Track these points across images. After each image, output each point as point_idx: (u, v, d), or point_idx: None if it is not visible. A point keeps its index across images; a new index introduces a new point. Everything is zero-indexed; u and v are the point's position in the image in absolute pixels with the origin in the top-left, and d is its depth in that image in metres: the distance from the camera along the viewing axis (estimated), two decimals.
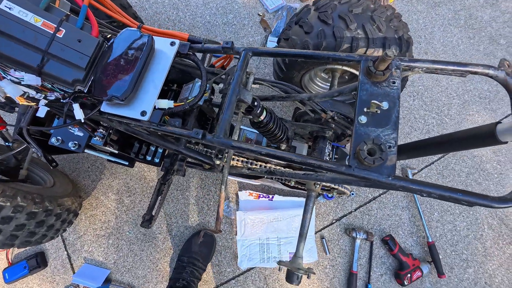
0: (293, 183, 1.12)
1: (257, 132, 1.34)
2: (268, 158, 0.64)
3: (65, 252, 1.42)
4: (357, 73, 0.84)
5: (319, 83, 1.41)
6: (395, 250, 1.36)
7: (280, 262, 0.99)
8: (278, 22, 1.77)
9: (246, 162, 0.92)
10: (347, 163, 0.59)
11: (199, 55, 0.88)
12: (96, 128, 0.89)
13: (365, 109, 0.62)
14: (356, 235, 1.39)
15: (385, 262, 1.42)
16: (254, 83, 0.91)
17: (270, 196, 1.43)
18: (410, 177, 1.51)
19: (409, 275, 1.33)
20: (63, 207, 1.16)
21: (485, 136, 0.68)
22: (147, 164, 1.18)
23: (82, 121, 0.74)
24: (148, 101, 0.71)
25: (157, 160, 1.17)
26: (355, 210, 1.48)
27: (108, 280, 1.37)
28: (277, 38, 1.49)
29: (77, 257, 1.42)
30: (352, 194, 1.48)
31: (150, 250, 1.41)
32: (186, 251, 1.33)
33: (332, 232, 1.45)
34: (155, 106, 0.73)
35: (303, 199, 1.25)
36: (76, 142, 0.89)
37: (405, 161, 1.57)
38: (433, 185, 0.56)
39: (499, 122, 0.68)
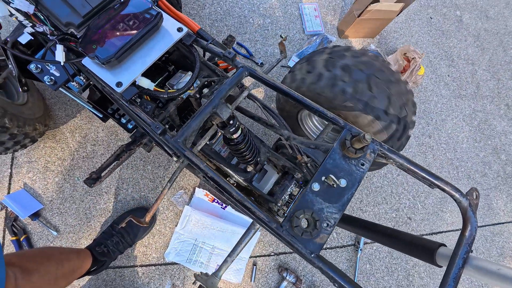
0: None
1: None
2: (212, 182, 0.62)
3: (9, 170, 1.39)
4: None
5: (316, 123, 1.40)
6: None
7: (196, 275, 0.96)
8: (308, 46, 1.74)
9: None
10: (280, 222, 0.58)
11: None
12: (76, 74, 0.86)
13: (323, 178, 0.61)
14: (286, 275, 1.39)
15: None
16: (246, 98, 0.89)
17: (224, 205, 1.42)
18: (361, 245, 1.50)
19: None
20: (21, 130, 1.13)
21: (425, 252, 0.67)
22: (119, 126, 1.16)
23: (62, 63, 0.71)
24: (129, 75, 0.69)
25: (130, 126, 1.15)
26: None
27: (37, 214, 1.34)
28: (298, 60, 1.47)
29: (18, 180, 1.39)
30: None
31: (90, 204, 1.39)
32: (121, 220, 1.31)
33: (266, 263, 1.44)
34: (135, 82, 0.71)
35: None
36: (53, 78, 0.86)
37: None
38: (347, 279, 0.55)
39: (443, 245, 0.67)
